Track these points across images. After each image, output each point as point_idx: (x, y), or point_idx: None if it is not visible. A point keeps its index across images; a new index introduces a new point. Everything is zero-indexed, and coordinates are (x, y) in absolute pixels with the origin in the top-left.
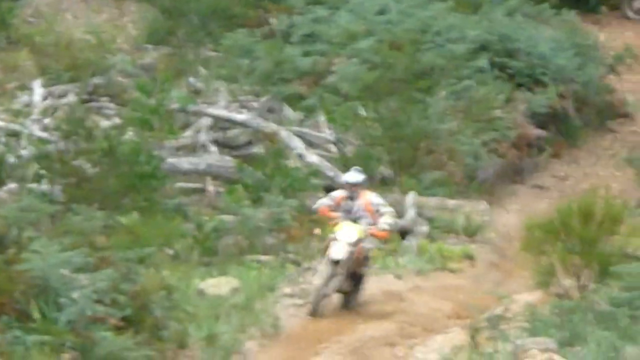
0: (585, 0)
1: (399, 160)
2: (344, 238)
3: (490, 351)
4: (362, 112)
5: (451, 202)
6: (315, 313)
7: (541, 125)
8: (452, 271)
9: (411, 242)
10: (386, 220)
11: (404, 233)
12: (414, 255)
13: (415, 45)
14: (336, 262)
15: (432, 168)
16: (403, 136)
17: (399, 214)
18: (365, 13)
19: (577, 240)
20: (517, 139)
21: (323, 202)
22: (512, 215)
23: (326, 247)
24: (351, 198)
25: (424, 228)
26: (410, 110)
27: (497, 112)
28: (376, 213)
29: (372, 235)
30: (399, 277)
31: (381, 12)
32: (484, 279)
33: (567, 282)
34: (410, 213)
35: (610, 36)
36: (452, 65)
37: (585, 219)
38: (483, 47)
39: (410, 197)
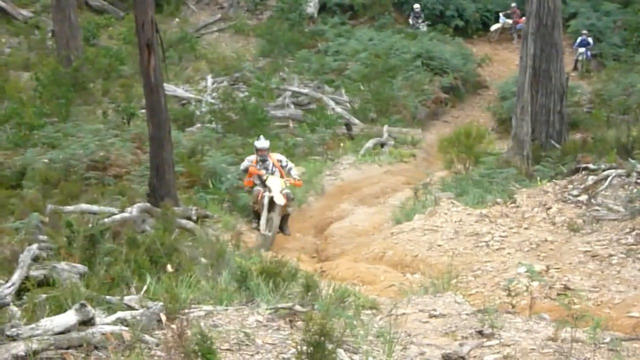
0: (466, 31)
1: (379, 110)
2: (276, 188)
3: (424, 199)
4: (362, 87)
5: (404, 130)
6: (271, 246)
7: (446, 92)
8: (405, 162)
9: (385, 149)
10: (296, 172)
11: (382, 144)
12: (386, 155)
13: (387, 55)
14: (272, 205)
15: (396, 113)
16: (381, 98)
17: (380, 137)
18: (363, 40)
19: (464, 146)
20: (435, 99)
21: (248, 165)
22: (433, 135)
23: (257, 198)
24: (262, 160)
25: (391, 142)
26: (385, 87)
27: (425, 86)
28: (283, 168)
29: (292, 184)
30: (379, 166)
31: (370, 39)
32: (420, 166)
33: (459, 166)
34: (385, 135)
35: (478, 49)
36: (403, 64)
37: (467, 135)
38: (418, 55)
39: (385, 128)
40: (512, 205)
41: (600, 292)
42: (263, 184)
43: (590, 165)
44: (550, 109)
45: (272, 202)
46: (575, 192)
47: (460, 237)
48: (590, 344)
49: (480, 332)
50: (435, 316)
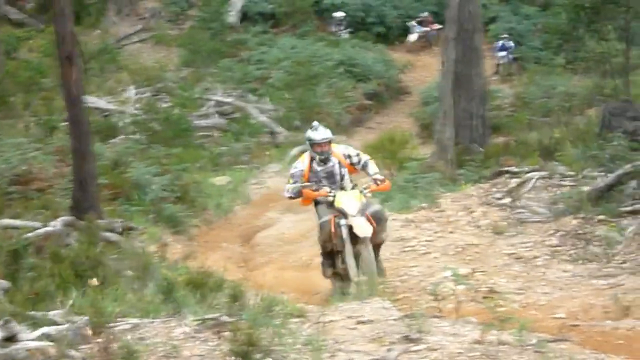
0: (387, 38)
1: (304, 118)
2: (352, 208)
3: None
4: (286, 95)
5: None
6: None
7: (369, 98)
8: None
9: None
10: (375, 169)
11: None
12: None
13: (309, 63)
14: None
15: (320, 121)
16: (305, 106)
17: (305, 144)
18: (285, 48)
19: (388, 151)
20: (358, 106)
21: (295, 185)
22: (358, 142)
23: (329, 233)
24: (323, 161)
25: None
26: (308, 94)
27: (349, 93)
28: (355, 165)
29: (376, 191)
30: None
31: (293, 47)
32: None
33: (384, 172)
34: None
35: (400, 55)
36: (326, 72)
37: (391, 141)
38: (341, 63)
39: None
40: (437, 209)
41: (525, 294)
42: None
43: (513, 168)
44: (473, 113)
45: (353, 232)
46: (498, 195)
47: (387, 243)
48: (517, 346)
49: (408, 337)
50: (362, 322)
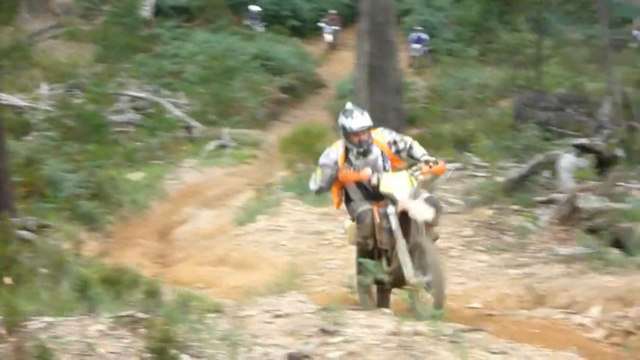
0: (302, 31)
1: (219, 112)
2: (402, 192)
3: (266, 200)
4: (201, 90)
5: (245, 131)
6: (443, 301)
7: (285, 92)
8: (247, 163)
9: (226, 151)
10: (423, 150)
11: (223, 146)
12: (228, 157)
13: (224, 57)
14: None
15: (236, 115)
16: (221, 100)
17: (220, 139)
18: (200, 43)
19: (304, 145)
20: (274, 99)
21: (330, 171)
22: (274, 136)
23: (372, 227)
24: (363, 153)
25: (233, 144)
26: (224, 88)
27: (264, 87)
28: (400, 152)
29: (429, 174)
30: (221, 168)
31: (207, 42)
32: (262, 166)
33: (300, 165)
34: (226, 137)
35: (315, 48)
36: (241, 66)
37: (307, 135)
38: (256, 56)
39: (226, 130)
40: None
41: None
42: (372, 195)
43: None
44: (387, 105)
45: (406, 219)
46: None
47: (304, 237)
48: (432, 336)
49: (324, 330)
50: (279, 316)
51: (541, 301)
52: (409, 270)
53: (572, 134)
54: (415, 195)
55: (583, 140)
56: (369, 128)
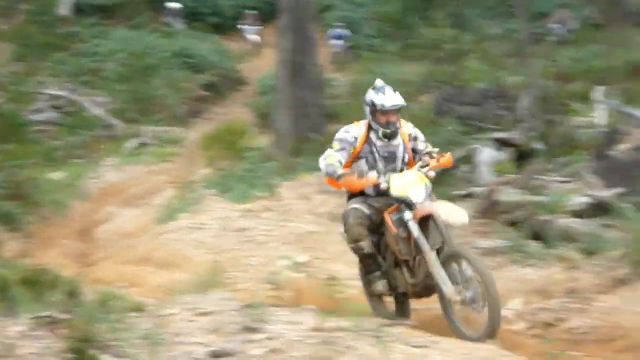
0: (223, 28)
1: (140, 110)
2: (419, 197)
3: (188, 198)
4: (121, 87)
5: (166, 128)
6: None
7: (206, 89)
8: (168, 161)
9: (148, 149)
10: (426, 143)
11: (144, 144)
12: (149, 155)
13: (144, 54)
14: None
15: (157, 112)
16: (141, 98)
17: (141, 136)
18: (119, 41)
19: (226, 142)
20: (195, 97)
21: (333, 164)
22: (196, 133)
23: (358, 227)
24: (389, 136)
25: (154, 141)
26: (144, 86)
27: (185, 84)
28: (417, 152)
29: (436, 167)
30: (143, 166)
31: (127, 39)
32: (184, 164)
33: (223, 163)
34: (147, 135)
35: (237, 45)
36: (162, 63)
37: (229, 132)
38: (176, 54)
39: (149, 128)
40: (276, 198)
41: None
42: (380, 192)
43: None
44: (309, 101)
45: (426, 224)
46: None
47: (226, 234)
48: (354, 331)
49: (247, 327)
50: (202, 314)
51: None
52: (449, 289)
53: (491, 128)
54: (430, 196)
55: (502, 134)
56: (400, 108)
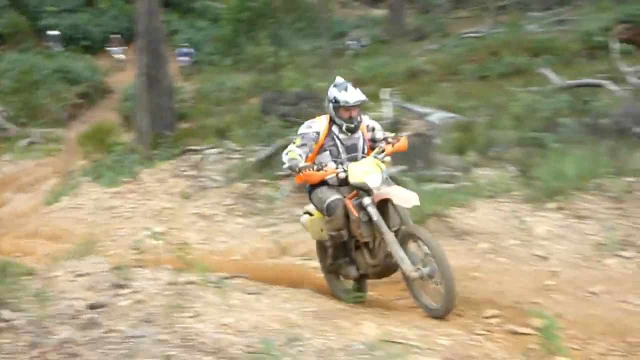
0: (93, 49)
1: (29, 116)
2: (376, 183)
3: (69, 184)
4: (13, 99)
5: (50, 130)
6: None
7: (82, 98)
8: (53, 156)
9: (36, 146)
10: (382, 132)
11: (33, 143)
12: (38, 151)
13: (31, 72)
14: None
15: (43, 117)
16: (30, 106)
17: (31, 137)
18: (11, 61)
19: (98, 139)
20: (73, 104)
21: (294, 159)
22: (74, 133)
23: (342, 218)
24: (352, 130)
25: (42, 140)
26: (32, 97)
27: (64, 95)
28: (375, 142)
29: (392, 153)
30: (33, 160)
31: (17, 60)
32: (65, 158)
33: (96, 155)
34: (36, 135)
35: (104, 62)
36: (46, 78)
37: (100, 131)
38: (57, 70)
39: (37, 130)
40: (138, 183)
41: (209, 243)
42: (342, 181)
43: (196, 147)
44: (163, 105)
45: (382, 208)
46: (185, 168)
47: (99, 212)
48: (202, 284)
49: (116, 284)
50: (81, 275)
51: (285, 252)
52: (407, 266)
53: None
54: (387, 181)
55: None
56: (361, 104)
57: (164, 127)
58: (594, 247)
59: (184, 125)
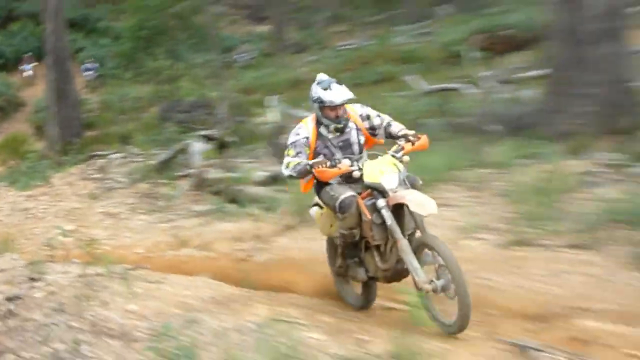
0: (6, 67)
1: None
2: (392, 184)
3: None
4: None
5: None
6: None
7: None
8: None
9: None
10: (401, 126)
11: None
12: None
13: None
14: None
15: None
16: None
17: None
18: None
19: (12, 148)
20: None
21: (299, 162)
22: None
23: (356, 215)
24: (340, 129)
25: None
26: None
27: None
28: (375, 129)
29: (411, 151)
30: None
31: None
32: None
33: (11, 162)
34: None
35: (16, 79)
36: None
37: (15, 140)
38: None
39: None
40: (50, 186)
41: (115, 239)
42: (351, 177)
43: (102, 152)
44: (71, 116)
45: (398, 211)
46: (92, 172)
47: (15, 213)
48: (108, 275)
49: (31, 278)
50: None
51: (184, 244)
52: (420, 277)
53: (199, 128)
54: (404, 182)
55: (207, 132)
56: (347, 103)
57: (73, 135)
58: (457, 230)
59: (91, 133)
